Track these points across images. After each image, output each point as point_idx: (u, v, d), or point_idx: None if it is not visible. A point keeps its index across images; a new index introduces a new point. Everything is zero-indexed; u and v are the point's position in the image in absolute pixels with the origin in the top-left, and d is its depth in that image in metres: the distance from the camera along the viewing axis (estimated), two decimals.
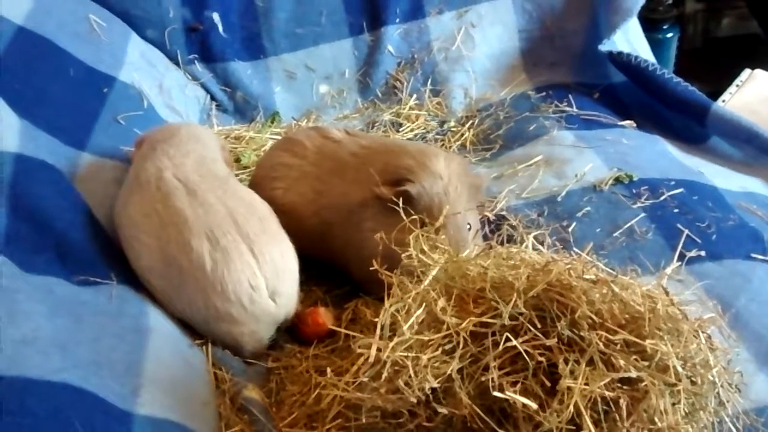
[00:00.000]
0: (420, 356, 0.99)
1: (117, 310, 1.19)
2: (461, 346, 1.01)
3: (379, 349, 0.99)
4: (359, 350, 1.01)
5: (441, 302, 1.05)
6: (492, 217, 1.50)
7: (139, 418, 1.02)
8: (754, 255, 1.39)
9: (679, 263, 1.28)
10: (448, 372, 0.97)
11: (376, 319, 1.03)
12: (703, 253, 1.38)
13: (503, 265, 1.07)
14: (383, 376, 0.98)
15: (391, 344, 0.99)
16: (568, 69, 2.03)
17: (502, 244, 1.29)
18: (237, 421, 1.14)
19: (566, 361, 0.98)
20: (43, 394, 0.96)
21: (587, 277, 1.01)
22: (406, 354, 0.99)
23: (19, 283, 1.14)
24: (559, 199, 1.54)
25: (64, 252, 1.27)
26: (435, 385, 0.97)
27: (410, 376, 0.97)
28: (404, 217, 1.17)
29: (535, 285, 1.01)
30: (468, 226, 1.31)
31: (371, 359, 0.99)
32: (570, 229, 1.45)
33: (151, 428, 1.02)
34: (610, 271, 1.06)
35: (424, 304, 1.05)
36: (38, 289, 1.15)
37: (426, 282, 1.08)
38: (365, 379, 1.00)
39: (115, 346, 1.11)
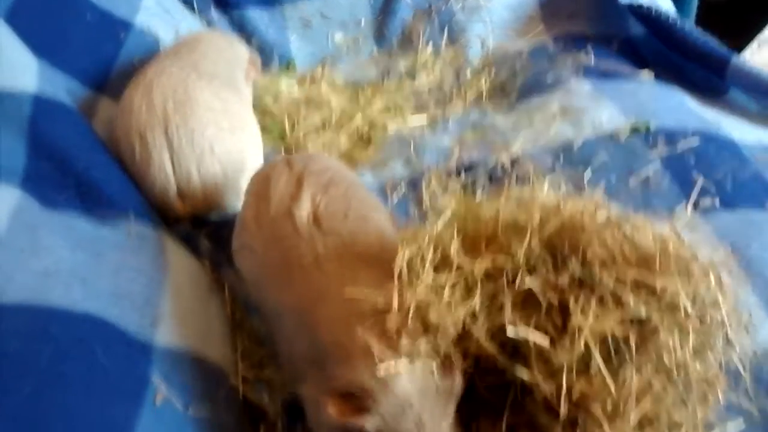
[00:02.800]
0: (442, 296, 1.00)
1: (136, 246, 1.21)
2: (478, 286, 1.02)
3: (401, 295, 0.97)
4: (382, 300, 0.97)
5: (454, 245, 1.06)
6: (506, 162, 1.50)
7: (158, 349, 1.05)
8: None
9: (693, 211, 1.29)
10: (472, 306, 0.98)
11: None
12: (717, 202, 1.38)
13: (515, 207, 1.08)
14: (410, 318, 0.96)
15: (418, 286, 0.97)
16: (586, 20, 2.01)
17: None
18: (256, 352, 1.17)
19: (577, 301, 1.00)
20: (65, 323, 0.99)
21: (599, 218, 1.02)
22: (428, 295, 0.99)
23: (40, 218, 1.16)
24: (575, 147, 1.54)
25: (84, 191, 1.29)
26: (463, 317, 0.97)
27: (438, 313, 0.97)
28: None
29: (548, 226, 1.02)
30: None
31: (395, 306, 0.96)
32: (585, 177, 1.46)
33: (171, 358, 1.05)
34: (622, 209, 1.06)
35: (437, 248, 1.06)
36: (58, 224, 1.17)
37: (438, 225, 1.09)
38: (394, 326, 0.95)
39: (135, 279, 1.13)
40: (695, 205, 1.33)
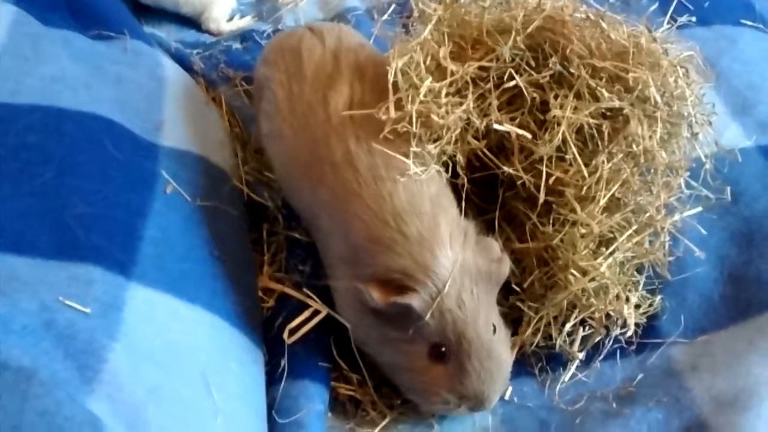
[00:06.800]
0: (439, 100, 1.04)
1: (133, 60, 1.25)
2: (470, 89, 1.07)
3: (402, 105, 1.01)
4: (382, 114, 1.01)
5: (442, 51, 1.11)
6: None
7: (163, 149, 1.12)
8: (743, 21, 1.44)
9: (669, 26, 1.34)
10: (467, 108, 1.04)
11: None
12: (693, 18, 1.42)
13: (499, 10, 1.12)
14: (414, 121, 1.00)
15: (420, 95, 1.00)
16: None
17: None
18: (255, 159, 1.25)
19: (556, 97, 1.07)
20: (76, 121, 1.05)
21: (578, 15, 1.07)
22: (427, 100, 1.03)
23: (39, 30, 1.19)
24: None
25: (76, 9, 1.31)
26: (462, 115, 1.03)
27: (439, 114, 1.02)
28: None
29: (531, 24, 1.07)
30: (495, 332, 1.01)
31: (392, 115, 1.00)
32: None
33: (175, 157, 1.12)
34: (599, 7, 1.11)
35: (427, 55, 1.10)
36: (57, 37, 1.21)
37: (426, 32, 1.13)
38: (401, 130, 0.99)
39: (136, 89, 1.19)
40: (673, 21, 1.38)
